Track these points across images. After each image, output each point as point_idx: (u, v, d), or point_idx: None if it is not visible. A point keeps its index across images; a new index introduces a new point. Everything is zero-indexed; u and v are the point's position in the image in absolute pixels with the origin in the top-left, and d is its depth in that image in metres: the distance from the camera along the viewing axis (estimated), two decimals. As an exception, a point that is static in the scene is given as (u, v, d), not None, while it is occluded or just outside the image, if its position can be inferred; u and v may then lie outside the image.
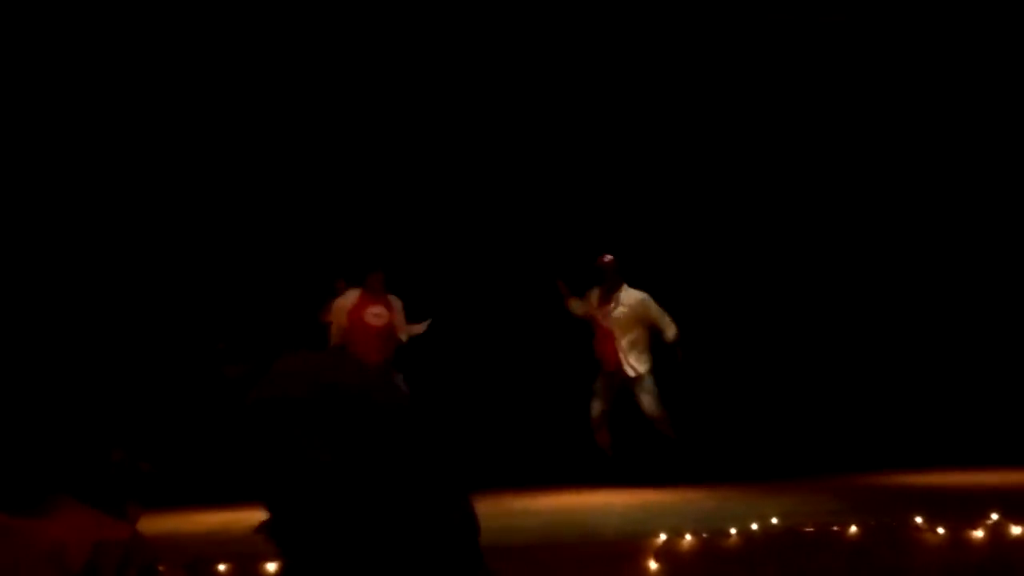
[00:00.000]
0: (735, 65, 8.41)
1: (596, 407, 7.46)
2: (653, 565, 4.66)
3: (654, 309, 7.42)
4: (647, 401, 7.37)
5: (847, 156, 8.62)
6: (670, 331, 7.39)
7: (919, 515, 5.02)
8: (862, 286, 8.60)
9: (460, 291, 8.04)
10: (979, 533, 4.77)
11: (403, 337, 7.31)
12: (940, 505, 5.49)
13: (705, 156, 8.54)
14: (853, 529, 4.93)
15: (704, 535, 4.94)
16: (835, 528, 4.98)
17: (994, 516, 4.97)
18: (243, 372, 2.69)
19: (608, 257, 7.43)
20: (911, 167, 8.59)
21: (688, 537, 4.90)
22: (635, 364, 7.37)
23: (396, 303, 7.35)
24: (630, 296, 7.42)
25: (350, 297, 7.28)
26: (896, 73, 8.46)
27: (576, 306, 7.58)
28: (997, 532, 4.78)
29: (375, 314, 7.24)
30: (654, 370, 7.43)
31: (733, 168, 8.60)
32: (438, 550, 2.12)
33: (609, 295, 7.43)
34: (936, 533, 4.82)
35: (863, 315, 8.56)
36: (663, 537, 4.88)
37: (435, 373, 7.47)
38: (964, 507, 5.32)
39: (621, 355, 7.36)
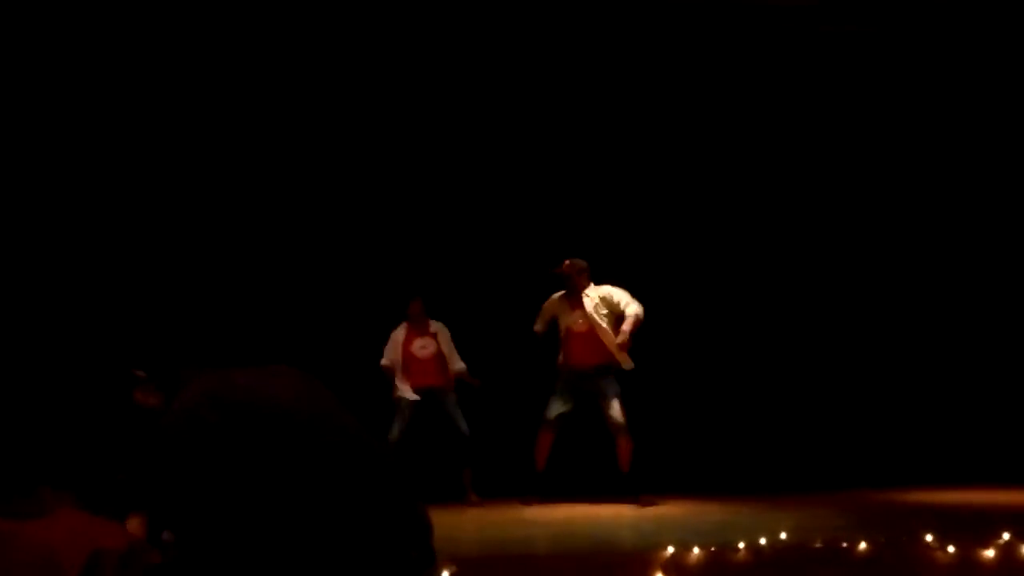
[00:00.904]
0: (732, 69, 8.38)
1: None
2: (661, 578, 4.67)
3: (620, 294, 7.11)
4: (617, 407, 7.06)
5: (856, 163, 8.59)
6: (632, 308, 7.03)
7: (929, 533, 5.00)
8: (875, 301, 8.57)
9: (469, 296, 8.01)
10: (990, 552, 4.74)
11: (453, 369, 7.41)
12: (951, 523, 5.47)
13: (708, 165, 8.51)
14: (863, 545, 4.92)
15: (712, 548, 4.93)
16: (844, 544, 4.96)
17: (1005, 535, 4.96)
18: (159, 401, 2.62)
19: (566, 262, 7.18)
20: (925, 172, 8.56)
21: (696, 550, 4.89)
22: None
23: (441, 330, 7.48)
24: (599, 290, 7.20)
25: (400, 331, 7.44)
26: (900, 80, 8.44)
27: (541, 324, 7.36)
28: (1008, 552, 4.76)
29: (421, 346, 7.40)
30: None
31: (740, 177, 8.58)
32: (374, 559, 2.07)
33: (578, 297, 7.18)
34: (946, 552, 4.80)
35: (876, 330, 8.52)
36: (671, 550, 4.87)
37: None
38: (975, 526, 5.30)
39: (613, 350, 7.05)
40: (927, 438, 8.12)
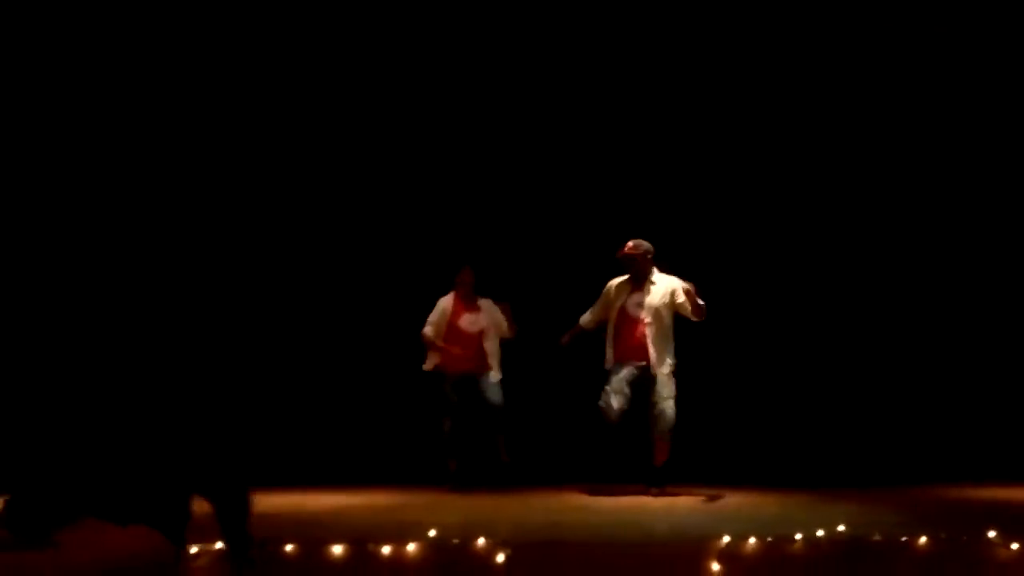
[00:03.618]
0: (743, 69, 8.32)
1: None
2: (716, 567, 4.63)
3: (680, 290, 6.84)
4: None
5: (873, 162, 8.44)
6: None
7: (992, 530, 4.89)
8: (938, 292, 8.42)
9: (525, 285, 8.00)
10: (1055, 551, 4.64)
11: (507, 335, 7.21)
12: (1014, 521, 5.34)
13: (725, 164, 8.42)
14: (923, 541, 4.82)
15: (768, 539, 4.87)
16: (904, 539, 4.87)
17: (1072, 534, 4.84)
18: None
19: (630, 243, 6.88)
20: (944, 174, 8.38)
21: (752, 541, 4.83)
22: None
23: (490, 307, 7.24)
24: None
25: (448, 300, 7.20)
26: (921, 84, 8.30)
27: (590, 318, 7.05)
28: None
29: (471, 321, 7.18)
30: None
31: (797, 171, 8.48)
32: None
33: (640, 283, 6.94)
34: (1010, 549, 4.70)
35: (941, 323, 8.38)
36: (726, 540, 4.82)
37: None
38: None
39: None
40: (990, 433, 7.98)
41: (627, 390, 6.83)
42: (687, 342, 7.06)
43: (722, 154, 8.43)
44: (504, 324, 7.21)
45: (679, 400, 6.89)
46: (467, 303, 7.20)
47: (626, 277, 7.01)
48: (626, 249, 6.91)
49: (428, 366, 7.22)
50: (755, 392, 8.17)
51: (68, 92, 7.85)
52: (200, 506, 6.23)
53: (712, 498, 6.75)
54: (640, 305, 6.90)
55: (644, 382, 6.86)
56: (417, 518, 5.83)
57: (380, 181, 8.35)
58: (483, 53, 8.22)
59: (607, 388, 6.86)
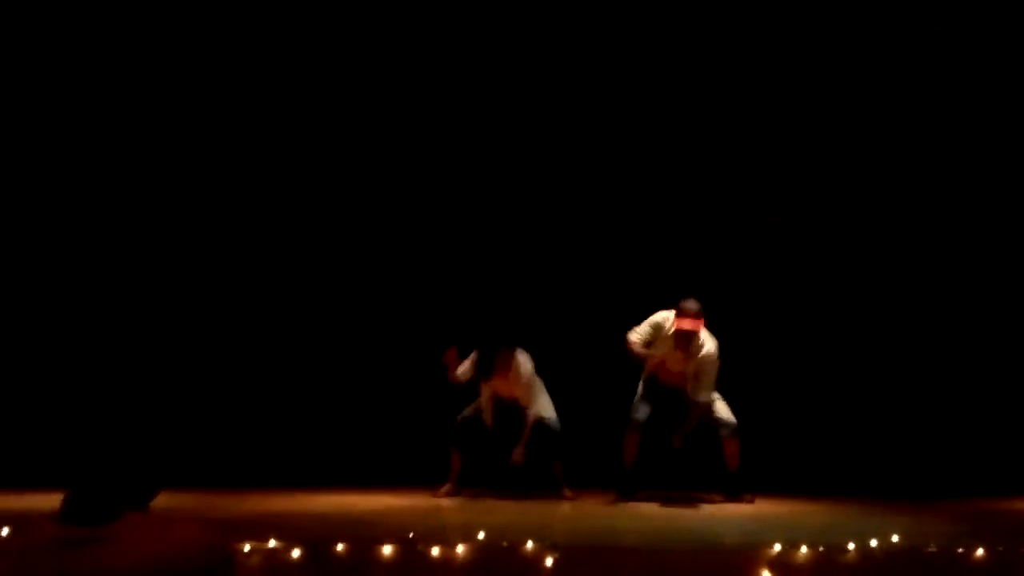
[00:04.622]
0: (748, 71, 8.25)
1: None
2: None
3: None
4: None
5: (898, 169, 8.32)
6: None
7: (1051, 543, 4.80)
8: (993, 308, 8.28)
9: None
10: (1115, 565, 4.54)
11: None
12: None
13: (749, 173, 8.35)
14: (979, 553, 4.75)
15: (820, 548, 4.82)
16: (960, 550, 4.80)
17: None
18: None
19: (693, 311, 6.67)
20: (968, 179, 8.26)
21: (804, 549, 4.78)
22: None
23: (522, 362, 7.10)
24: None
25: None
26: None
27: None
28: None
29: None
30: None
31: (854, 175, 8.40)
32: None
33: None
34: (1068, 562, 4.62)
35: (995, 337, 8.24)
36: (778, 548, 4.78)
37: (553, 371, 7.43)
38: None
39: None
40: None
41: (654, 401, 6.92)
42: (740, 352, 7.01)
43: (746, 163, 8.36)
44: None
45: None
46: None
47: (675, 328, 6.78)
48: (686, 326, 6.66)
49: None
50: (808, 400, 8.08)
51: (67, 91, 7.97)
52: (251, 505, 6.33)
53: (760, 506, 6.69)
54: (685, 368, 6.85)
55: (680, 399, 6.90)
56: (465, 519, 5.85)
57: (387, 183, 8.38)
58: (494, 55, 8.23)
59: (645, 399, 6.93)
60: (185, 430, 7.75)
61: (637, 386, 7.03)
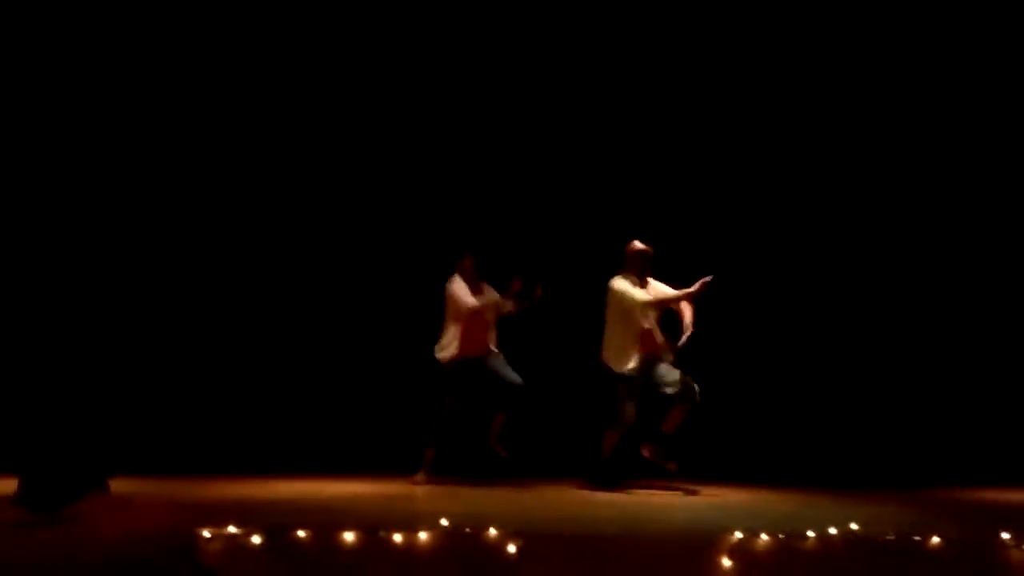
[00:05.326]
0: (748, 68, 8.31)
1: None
2: (727, 562, 4.63)
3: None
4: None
5: (890, 163, 8.41)
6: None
7: (1006, 531, 4.87)
8: (951, 295, 8.38)
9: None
10: (1069, 553, 4.63)
11: (506, 308, 7.21)
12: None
13: (736, 162, 8.39)
14: (936, 541, 4.81)
15: (780, 536, 4.87)
16: (917, 538, 4.86)
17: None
18: None
19: (638, 243, 6.96)
20: (961, 174, 8.37)
21: (764, 537, 4.83)
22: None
23: (489, 289, 7.27)
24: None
25: (459, 284, 7.15)
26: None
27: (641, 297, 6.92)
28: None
29: (482, 303, 7.14)
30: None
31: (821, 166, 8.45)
32: None
33: (644, 284, 7.03)
34: (1022, 550, 4.68)
35: (952, 326, 8.34)
36: (738, 535, 4.82)
37: (520, 361, 7.43)
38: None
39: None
40: (1004, 435, 7.95)
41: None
42: (702, 340, 7.06)
43: (733, 151, 8.40)
44: (503, 304, 7.23)
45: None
46: (474, 287, 7.22)
47: (628, 276, 6.97)
48: (645, 247, 6.94)
49: (454, 352, 7.18)
50: (768, 390, 8.15)
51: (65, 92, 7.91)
52: (217, 490, 6.31)
53: (723, 495, 6.75)
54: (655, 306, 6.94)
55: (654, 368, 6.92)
56: (429, 507, 5.86)
57: (379, 170, 8.36)
58: (484, 45, 8.21)
59: (633, 396, 6.87)
60: (148, 413, 7.70)
61: (617, 384, 6.94)
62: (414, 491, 6.74)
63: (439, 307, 7.22)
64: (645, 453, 6.90)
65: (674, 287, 6.94)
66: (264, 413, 8.06)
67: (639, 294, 6.91)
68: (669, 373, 6.87)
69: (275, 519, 4.87)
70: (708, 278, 6.63)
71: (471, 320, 7.11)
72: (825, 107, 8.35)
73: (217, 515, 4.51)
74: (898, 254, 8.40)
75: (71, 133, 7.90)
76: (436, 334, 7.20)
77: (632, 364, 6.87)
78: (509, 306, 7.24)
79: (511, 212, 8.27)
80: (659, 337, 6.99)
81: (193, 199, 8.17)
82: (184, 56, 8.07)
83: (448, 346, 7.15)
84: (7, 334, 7.72)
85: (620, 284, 6.94)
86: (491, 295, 7.25)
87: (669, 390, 6.84)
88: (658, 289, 7.04)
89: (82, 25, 7.84)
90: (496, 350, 7.22)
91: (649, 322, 6.95)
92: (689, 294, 6.79)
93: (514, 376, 7.10)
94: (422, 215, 8.31)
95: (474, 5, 8.20)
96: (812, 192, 8.39)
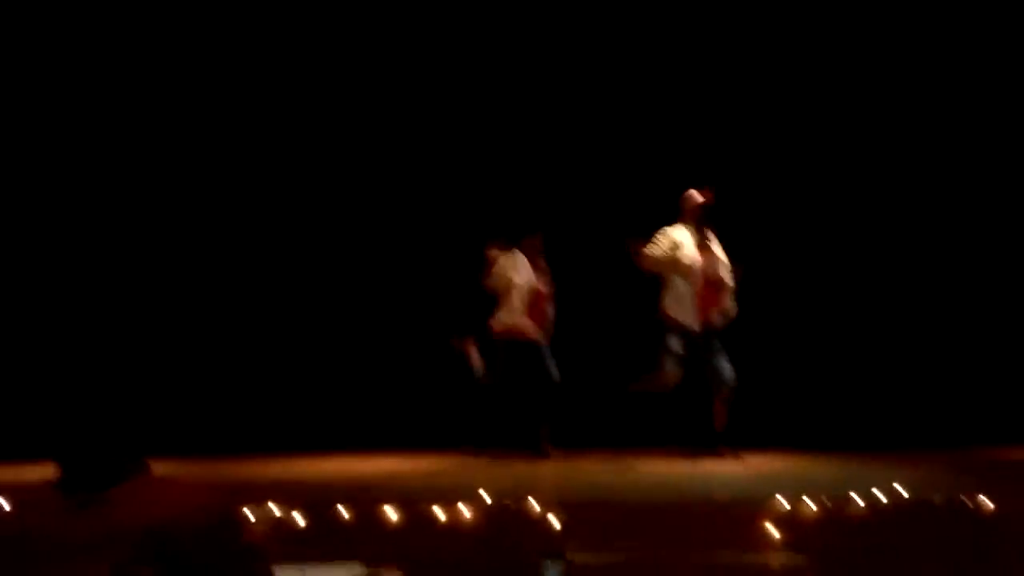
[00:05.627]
0: (764, 62, 8.15)
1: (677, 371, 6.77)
2: (773, 529, 4.57)
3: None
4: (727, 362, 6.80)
5: (902, 150, 8.23)
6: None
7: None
8: (994, 260, 8.23)
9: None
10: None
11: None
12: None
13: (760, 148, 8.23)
14: (984, 502, 4.73)
15: (826, 501, 4.80)
16: (966, 501, 4.78)
17: None
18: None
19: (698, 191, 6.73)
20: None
21: (809, 502, 4.76)
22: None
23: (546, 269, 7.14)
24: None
25: (522, 260, 6.98)
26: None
27: (662, 254, 6.72)
28: None
29: (546, 284, 7.04)
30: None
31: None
32: None
33: (704, 237, 6.78)
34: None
35: (997, 287, 8.20)
36: (783, 501, 4.75)
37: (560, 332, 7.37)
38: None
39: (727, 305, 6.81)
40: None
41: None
42: (742, 308, 6.98)
43: (757, 137, 8.27)
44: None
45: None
46: (539, 269, 7.08)
47: (686, 229, 6.78)
48: (704, 198, 6.71)
49: (510, 324, 6.98)
50: (807, 354, 8.05)
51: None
52: (255, 470, 6.31)
53: (766, 461, 6.68)
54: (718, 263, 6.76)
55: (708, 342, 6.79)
56: (468, 481, 5.84)
57: (399, 156, 8.30)
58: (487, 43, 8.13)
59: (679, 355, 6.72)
60: (187, 395, 7.73)
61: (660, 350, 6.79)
62: (452, 465, 6.72)
63: (476, 282, 7.16)
64: (719, 455, 6.73)
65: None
66: (299, 392, 8.06)
67: (655, 249, 6.71)
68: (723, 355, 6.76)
69: (315, 496, 4.87)
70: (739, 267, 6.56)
71: (528, 299, 6.98)
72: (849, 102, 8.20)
73: (257, 494, 4.51)
74: (943, 220, 8.25)
75: (109, 134, 7.93)
76: (471, 309, 7.15)
77: (691, 320, 6.72)
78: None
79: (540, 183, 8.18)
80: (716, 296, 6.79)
81: (229, 189, 8.15)
82: (195, 57, 8.05)
83: (505, 319, 7.04)
84: (44, 319, 7.78)
85: (676, 233, 6.73)
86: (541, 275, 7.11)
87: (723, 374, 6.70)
88: (715, 245, 6.86)
89: (83, 26, 7.82)
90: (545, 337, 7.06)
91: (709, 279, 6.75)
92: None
93: (553, 374, 7.01)
94: (462, 191, 8.23)
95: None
96: (862, 163, 8.26)
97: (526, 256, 7.08)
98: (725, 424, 6.83)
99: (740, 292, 6.94)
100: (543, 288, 7.07)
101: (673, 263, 6.74)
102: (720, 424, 6.81)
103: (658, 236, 6.80)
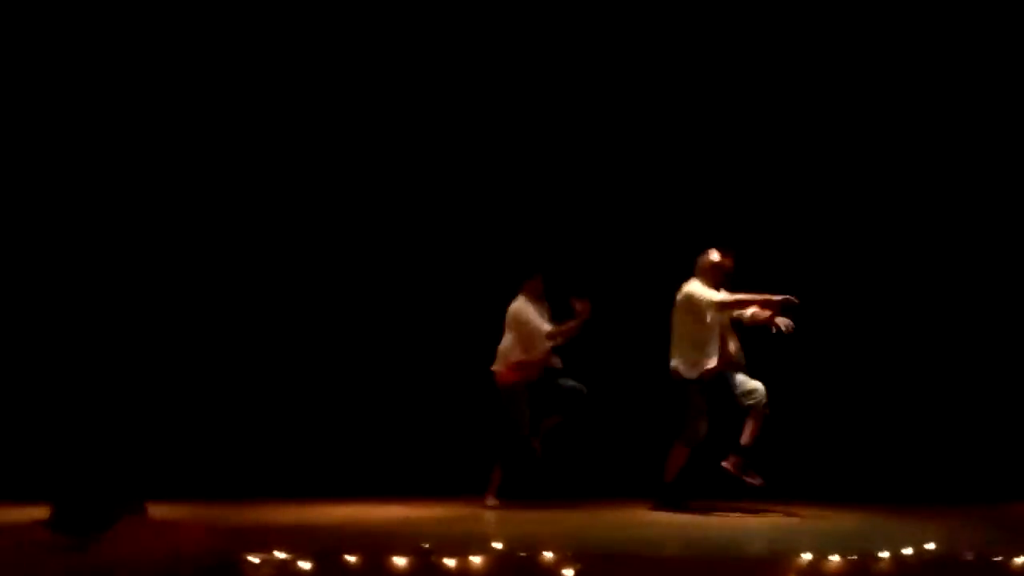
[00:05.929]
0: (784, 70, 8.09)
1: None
2: (798, 585, 4.40)
3: None
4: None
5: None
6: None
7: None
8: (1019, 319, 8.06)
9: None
10: None
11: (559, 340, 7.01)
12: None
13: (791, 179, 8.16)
14: (1020, 560, 4.54)
15: (852, 557, 4.62)
16: (999, 558, 4.59)
17: None
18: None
19: (722, 254, 6.75)
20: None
21: (835, 558, 4.59)
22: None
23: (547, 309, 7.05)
24: None
25: (526, 305, 6.92)
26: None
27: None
28: None
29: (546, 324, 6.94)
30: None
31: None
32: None
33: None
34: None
35: (1018, 342, 8.02)
36: (808, 557, 4.58)
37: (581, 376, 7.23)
38: None
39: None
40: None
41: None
42: (769, 357, 6.85)
43: (792, 171, 8.19)
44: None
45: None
46: (540, 308, 7.02)
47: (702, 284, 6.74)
48: (723, 259, 6.70)
49: (519, 375, 6.97)
50: (835, 406, 7.89)
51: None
52: (261, 514, 6.18)
53: (790, 514, 6.49)
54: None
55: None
56: (482, 530, 5.69)
57: (432, 189, 8.25)
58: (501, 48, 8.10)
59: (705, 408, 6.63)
60: (190, 438, 7.62)
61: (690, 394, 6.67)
62: (465, 514, 6.56)
63: (490, 326, 7.05)
64: (727, 466, 6.57)
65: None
66: (307, 436, 7.94)
67: (713, 293, 6.64)
68: (746, 382, 6.63)
69: (323, 543, 4.73)
70: (794, 299, 6.43)
71: (539, 344, 6.92)
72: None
73: (261, 539, 4.38)
74: (968, 270, 8.10)
75: (115, 147, 7.90)
76: (481, 355, 7.03)
77: (709, 366, 6.61)
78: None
79: (561, 224, 8.10)
80: (734, 344, 6.76)
81: (237, 220, 8.11)
82: (209, 61, 8.01)
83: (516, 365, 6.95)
84: (42, 358, 7.68)
85: (695, 286, 6.68)
86: (543, 314, 7.05)
87: (748, 401, 6.58)
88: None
89: (86, 27, 7.82)
90: (557, 363, 7.00)
91: (724, 327, 6.71)
92: (769, 300, 6.56)
93: (575, 384, 6.90)
94: (473, 234, 8.16)
95: (535, 15, 8.06)
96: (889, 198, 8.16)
97: (530, 298, 6.99)
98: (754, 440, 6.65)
99: (768, 343, 6.81)
100: (556, 334, 6.97)
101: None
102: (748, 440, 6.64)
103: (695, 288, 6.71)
